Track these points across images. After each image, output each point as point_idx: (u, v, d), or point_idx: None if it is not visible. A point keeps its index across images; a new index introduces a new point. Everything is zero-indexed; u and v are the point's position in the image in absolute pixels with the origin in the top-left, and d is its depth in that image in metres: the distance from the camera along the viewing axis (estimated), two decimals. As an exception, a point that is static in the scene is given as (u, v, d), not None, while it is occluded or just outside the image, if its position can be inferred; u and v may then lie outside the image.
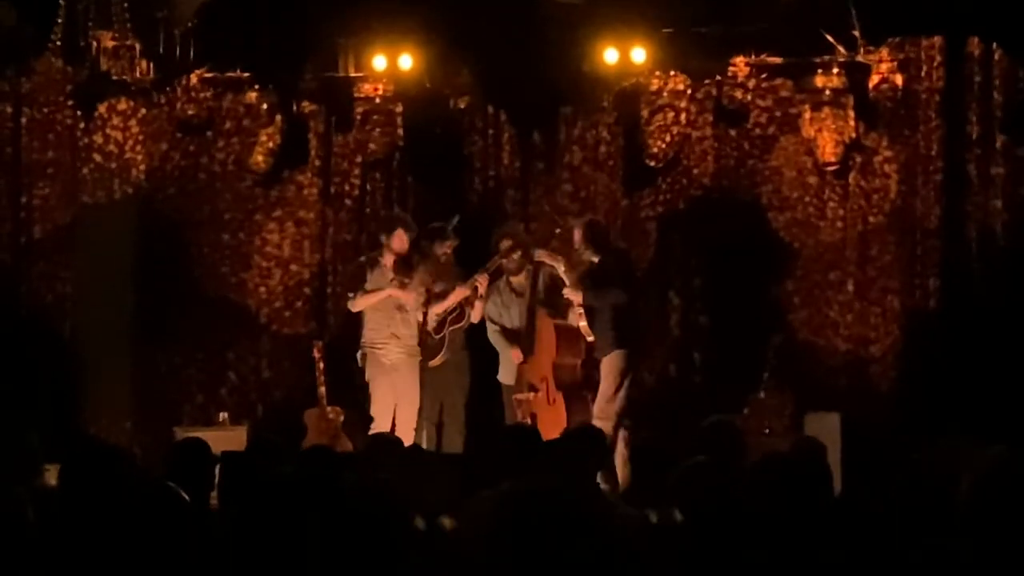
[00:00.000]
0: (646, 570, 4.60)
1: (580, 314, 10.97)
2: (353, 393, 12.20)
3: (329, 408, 11.94)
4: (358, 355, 11.54)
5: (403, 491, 4.40)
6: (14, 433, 6.71)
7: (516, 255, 11.23)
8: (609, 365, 10.87)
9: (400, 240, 11.35)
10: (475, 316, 11.40)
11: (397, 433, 10.84)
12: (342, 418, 11.96)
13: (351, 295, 11.58)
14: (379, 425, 11.20)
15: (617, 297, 10.81)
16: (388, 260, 11.38)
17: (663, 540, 5.15)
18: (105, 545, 4.19)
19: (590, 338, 10.97)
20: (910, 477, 5.84)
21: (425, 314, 11.19)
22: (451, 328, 11.43)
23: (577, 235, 11.08)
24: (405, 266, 11.34)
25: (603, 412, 10.61)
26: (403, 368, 11.30)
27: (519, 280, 11.31)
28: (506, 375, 11.36)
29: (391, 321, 11.36)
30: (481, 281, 11.23)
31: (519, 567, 3.56)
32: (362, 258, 11.80)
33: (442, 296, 11.34)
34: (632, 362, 10.95)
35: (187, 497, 4.39)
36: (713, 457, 6.30)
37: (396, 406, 11.27)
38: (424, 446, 10.91)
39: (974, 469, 4.25)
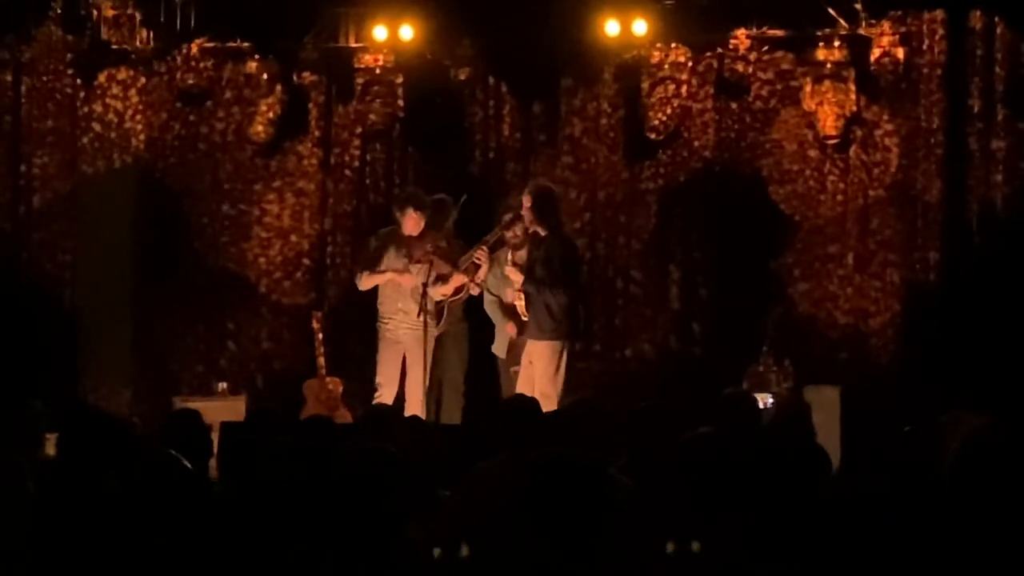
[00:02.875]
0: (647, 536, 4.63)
1: (519, 295, 10.81)
2: (352, 364, 12.22)
3: (328, 379, 11.96)
4: (376, 324, 11.54)
5: (401, 461, 4.40)
6: (17, 402, 6.72)
7: (519, 228, 11.09)
8: (541, 352, 10.62)
9: (412, 220, 11.28)
10: (475, 288, 11.37)
11: (406, 406, 10.89)
12: (341, 389, 11.98)
13: (359, 273, 11.58)
14: (383, 394, 11.22)
15: (557, 297, 10.56)
16: (402, 236, 11.34)
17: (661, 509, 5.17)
18: (108, 514, 4.19)
19: (524, 318, 10.78)
20: (907, 449, 5.86)
21: (425, 286, 11.15)
22: (450, 299, 11.41)
23: (526, 201, 10.77)
24: (418, 242, 11.29)
25: (546, 394, 10.23)
26: (410, 343, 11.28)
27: (522, 255, 11.11)
28: (499, 348, 11.33)
29: (400, 296, 11.35)
30: (480, 256, 11.16)
31: (541, 531, 3.57)
32: (379, 231, 11.72)
33: (443, 279, 11.28)
34: (565, 349, 10.71)
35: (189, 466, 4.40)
36: (728, 427, 6.32)
37: (406, 378, 11.28)
38: (423, 416, 10.91)
39: (960, 439, 4.28)
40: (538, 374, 10.58)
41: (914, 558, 4.29)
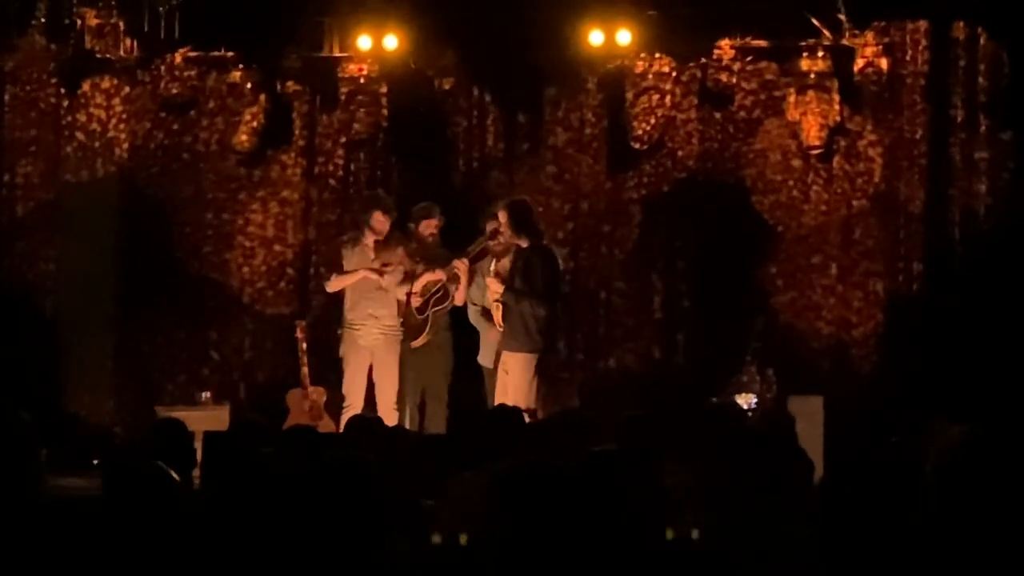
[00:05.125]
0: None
1: (497, 305, 10.79)
2: (336, 373, 12.21)
3: (311, 388, 11.93)
4: (338, 332, 11.52)
5: (385, 472, 4.40)
6: (7, 415, 6.68)
7: (502, 238, 11.07)
8: (516, 364, 10.62)
9: (379, 222, 11.32)
10: (459, 299, 11.36)
11: (378, 414, 10.85)
12: (324, 398, 11.95)
13: (329, 276, 11.61)
14: (351, 404, 11.20)
15: (535, 308, 10.57)
16: (369, 240, 11.36)
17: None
18: (93, 523, 4.19)
19: (500, 329, 10.79)
20: (888, 459, 5.87)
21: (409, 296, 11.17)
22: (434, 309, 11.41)
23: (502, 217, 10.79)
24: (386, 246, 11.32)
25: (519, 404, 10.28)
26: (380, 349, 11.28)
27: (505, 264, 11.10)
28: (485, 358, 11.31)
29: (370, 302, 11.35)
30: (460, 267, 11.15)
31: (519, 541, 3.56)
32: (344, 237, 11.78)
33: (410, 278, 11.28)
34: (541, 363, 10.70)
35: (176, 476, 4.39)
36: (713, 438, 6.32)
37: (375, 387, 11.26)
38: (407, 427, 10.90)
39: (940, 448, 4.28)
40: (512, 386, 10.59)
41: (895, 565, 4.30)
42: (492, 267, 10.99)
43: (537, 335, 10.61)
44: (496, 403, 10.56)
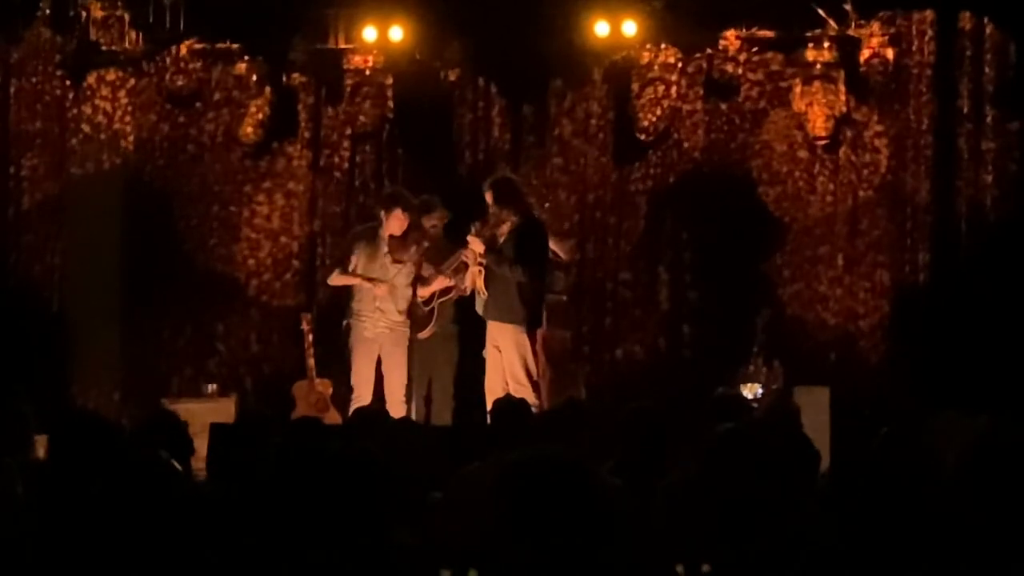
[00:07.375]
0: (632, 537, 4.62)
1: (479, 269, 10.65)
2: (342, 365, 12.21)
3: (317, 380, 11.93)
4: (344, 324, 11.50)
5: (391, 463, 4.40)
6: (6, 404, 6.69)
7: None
8: (503, 337, 10.54)
9: (398, 219, 11.25)
10: (469, 281, 11.31)
11: (386, 406, 10.85)
12: (330, 390, 11.95)
13: (332, 270, 11.59)
14: (359, 396, 11.17)
15: (516, 274, 10.47)
16: (384, 234, 11.32)
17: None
18: (98, 516, 4.18)
19: (484, 296, 10.64)
20: (893, 450, 5.85)
21: (414, 294, 11.15)
22: (440, 300, 11.40)
23: (488, 196, 10.69)
24: (401, 242, 11.28)
25: (520, 382, 10.32)
26: (386, 341, 11.25)
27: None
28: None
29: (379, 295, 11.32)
30: (474, 244, 11.11)
31: (524, 532, 3.56)
32: (358, 228, 11.74)
33: (424, 282, 11.28)
34: (531, 335, 10.60)
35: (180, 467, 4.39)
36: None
37: (384, 380, 11.24)
38: (413, 418, 10.89)
39: (960, 441, 4.26)
40: (507, 362, 10.53)
41: (902, 556, 4.28)
42: (474, 229, 10.85)
43: (520, 305, 10.51)
44: (487, 382, 10.54)
